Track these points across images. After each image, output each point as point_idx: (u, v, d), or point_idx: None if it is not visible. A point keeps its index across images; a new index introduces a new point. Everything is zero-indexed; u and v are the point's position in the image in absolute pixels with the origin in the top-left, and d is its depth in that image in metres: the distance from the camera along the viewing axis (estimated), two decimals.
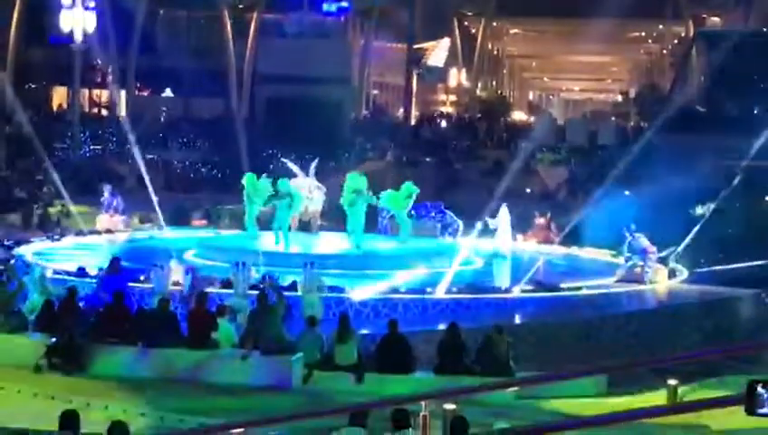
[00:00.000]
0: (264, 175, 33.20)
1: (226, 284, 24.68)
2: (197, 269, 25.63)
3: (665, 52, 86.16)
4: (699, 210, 30.17)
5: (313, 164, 33.63)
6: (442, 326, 22.02)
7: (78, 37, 60.69)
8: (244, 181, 32.68)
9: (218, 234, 35.93)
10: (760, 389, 6.10)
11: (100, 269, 25.36)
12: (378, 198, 32.77)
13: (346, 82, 71.30)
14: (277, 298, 21.85)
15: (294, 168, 33.66)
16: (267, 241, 31.33)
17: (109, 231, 35.86)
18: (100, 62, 72.95)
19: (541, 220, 36.20)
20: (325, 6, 73.80)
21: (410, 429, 10.90)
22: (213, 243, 32.90)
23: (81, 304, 22.22)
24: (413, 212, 33.66)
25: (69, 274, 26.19)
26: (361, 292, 24.98)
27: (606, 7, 60.80)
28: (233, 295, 23.34)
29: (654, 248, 29.06)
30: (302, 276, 24.06)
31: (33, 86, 72.30)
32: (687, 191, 34.89)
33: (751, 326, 25.92)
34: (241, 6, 72.56)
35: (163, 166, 56.56)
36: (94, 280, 25.05)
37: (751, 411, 6.12)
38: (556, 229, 35.97)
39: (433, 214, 35.05)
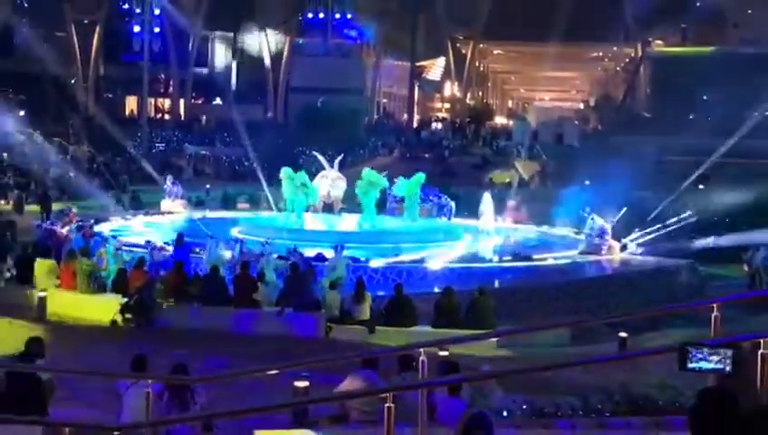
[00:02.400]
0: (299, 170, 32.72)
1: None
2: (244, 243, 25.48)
3: (618, 69, 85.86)
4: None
5: (338, 159, 33.45)
6: (438, 289, 22.03)
7: (146, 56, 60.84)
8: (282, 175, 31.74)
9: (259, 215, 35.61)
10: (690, 348, 6.26)
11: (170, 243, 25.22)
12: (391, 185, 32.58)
13: (361, 93, 71.35)
14: (306, 266, 21.89)
15: (323, 160, 33.51)
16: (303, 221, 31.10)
17: (170, 213, 35.86)
18: (163, 76, 73.08)
19: (512, 203, 36.19)
20: (347, 32, 74.03)
21: (412, 370, 10.91)
22: (254, 222, 32.71)
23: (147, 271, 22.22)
24: (421, 196, 33.21)
25: (138, 246, 26.20)
26: (376, 261, 24.87)
27: (571, 33, 60.90)
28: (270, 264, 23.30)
29: (609, 226, 28.96)
30: (333, 255, 23.87)
31: (110, 96, 72.35)
32: (633, 181, 34.73)
33: (685, 289, 25.92)
34: (277, 32, 72.51)
35: (213, 160, 56.62)
36: (166, 253, 24.76)
37: (682, 367, 6.27)
38: (525, 211, 35.92)
39: (431, 198, 34.91)
